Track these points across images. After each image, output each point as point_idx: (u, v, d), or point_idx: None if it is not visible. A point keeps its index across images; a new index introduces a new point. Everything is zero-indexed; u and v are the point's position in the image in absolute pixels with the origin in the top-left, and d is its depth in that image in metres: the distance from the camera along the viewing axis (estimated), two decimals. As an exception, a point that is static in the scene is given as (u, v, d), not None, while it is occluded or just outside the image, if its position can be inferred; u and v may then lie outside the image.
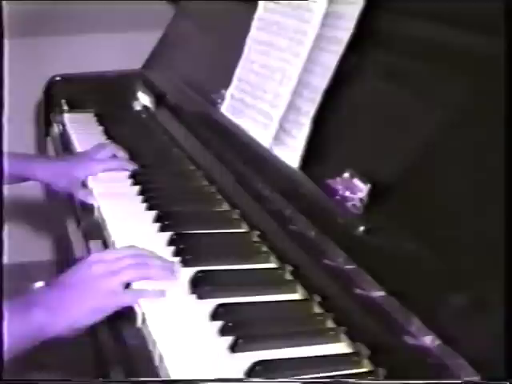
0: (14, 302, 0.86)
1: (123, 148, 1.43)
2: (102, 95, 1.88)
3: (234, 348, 0.78)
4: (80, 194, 1.28)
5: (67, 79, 1.92)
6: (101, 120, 1.77)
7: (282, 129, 1.12)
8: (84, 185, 1.32)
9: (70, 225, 1.34)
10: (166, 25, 1.98)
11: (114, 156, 1.41)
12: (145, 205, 1.18)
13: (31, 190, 1.75)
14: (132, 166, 1.36)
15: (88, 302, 0.89)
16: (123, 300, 0.90)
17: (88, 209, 1.23)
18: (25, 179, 1.41)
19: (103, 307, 0.89)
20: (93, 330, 0.94)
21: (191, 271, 0.93)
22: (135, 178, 1.31)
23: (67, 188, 1.34)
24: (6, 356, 0.79)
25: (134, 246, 0.99)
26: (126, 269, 0.92)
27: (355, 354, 0.77)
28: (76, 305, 0.89)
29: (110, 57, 1.99)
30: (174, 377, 0.74)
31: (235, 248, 1.04)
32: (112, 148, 1.43)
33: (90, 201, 1.24)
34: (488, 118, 0.79)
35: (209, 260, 0.98)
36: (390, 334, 0.74)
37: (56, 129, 1.79)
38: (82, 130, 1.69)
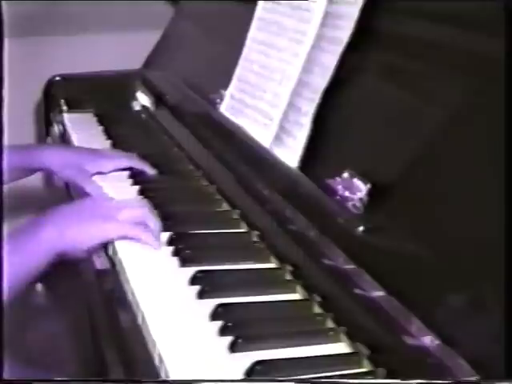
0: (27, 222, 0.98)
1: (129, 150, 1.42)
2: (102, 95, 1.88)
3: (233, 348, 0.78)
4: (89, 187, 1.26)
5: (67, 79, 1.92)
6: (101, 120, 1.77)
7: (281, 129, 1.12)
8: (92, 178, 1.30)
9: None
10: (165, 25, 1.98)
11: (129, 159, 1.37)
12: (145, 205, 1.18)
13: (31, 180, 1.75)
14: (146, 169, 1.34)
15: (95, 224, 0.99)
16: (125, 229, 1.00)
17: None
18: (33, 170, 1.39)
19: (107, 232, 0.99)
20: (93, 330, 0.94)
21: (191, 271, 0.94)
22: (135, 177, 1.31)
23: (73, 179, 1.31)
24: (21, 279, 0.93)
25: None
26: (132, 207, 1.04)
27: (355, 353, 0.77)
28: (84, 225, 0.98)
29: (109, 57, 1.99)
30: (173, 377, 0.74)
31: (235, 248, 1.04)
32: (127, 154, 1.40)
33: (97, 194, 1.23)
34: (488, 118, 0.79)
35: (208, 260, 0.98)
36: (389, 334, 0.74)
37: (56, 129, 1.79)
38: (81, 129, 1.69)
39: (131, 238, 1.01)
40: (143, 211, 1.04)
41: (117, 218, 1.01)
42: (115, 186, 1.28)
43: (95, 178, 1.30)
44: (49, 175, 1.55)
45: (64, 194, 1.38)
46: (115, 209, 1.03)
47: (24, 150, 1.34)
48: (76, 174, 1.30)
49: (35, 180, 1.86)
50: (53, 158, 1.35)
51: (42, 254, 0.95)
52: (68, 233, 0.97)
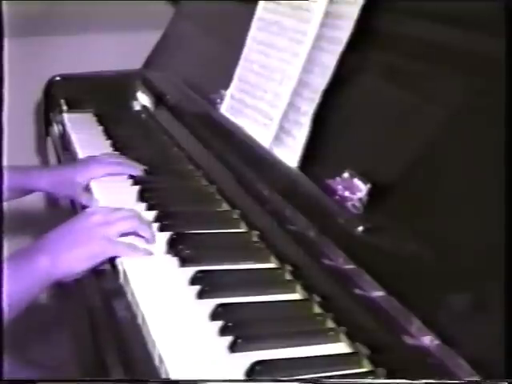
0: (20, 252, 0.96)
1: (129, 156, 1.41)
2: (102, 95, 1.88)
3: (233, 348, 0.78)
4: (83, 199, 1.27)
5: (67, 79, 1.92)
6: (101, 120, 1.77)
7: (281, 129, 1.12)
8: (86, 189, 1.29)
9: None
10: (166, 25, 1.98)
11: (120, 162, 1.37)
12: (145, 205, 1.18)
13: (32, 200, 1.75)
14: (137, 171, 1.34)
15: (86, 247, 0.98)
16: (116, 249, 0.99)
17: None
18: (27, 191, 1.38)
19: (99, 253, 0.99)
20: (93, 330, 0.94)
21: (191, 271, 0.94)
22: (135, 178, 1.31)
23: (70, 195, 1.32)
24: (17, 308, 0.91)
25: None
26: (120, 220, 1.02)
27: (355, 353, 0.77)
28: (75, 250, 0.98)
29: (109, 57, 1.99)
30: (173, 377, 0.74)
31: (235, 248, 1.04)
32: (118, 156, 1.41)
33: (93, 205, 1.23)
34: (488, 118, 0.79)
35: (208, 260, 0.98)
36: (389, 333, 0.74)
37: (56, 129, 1.79)
38: (81, 130, 1.69)
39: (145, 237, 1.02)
40: (133, 223, 1.04)
41: (107, 237, 1.00)
42: (115, 186, 1.28)
43: (98, 189, 1.29)
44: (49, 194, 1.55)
45: (68, 210, 1.37)
46: (105, 226, 1.01)
47: (17, 171, 1.33)
48: (69, 189, 1.31)
49: (37, 199, 1.85)
50: (45, 179, 1.35)
51: (37, 284, 0.95)
52: (61, 260, 0.97)
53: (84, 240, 0.99)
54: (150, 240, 1.03)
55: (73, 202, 1.33)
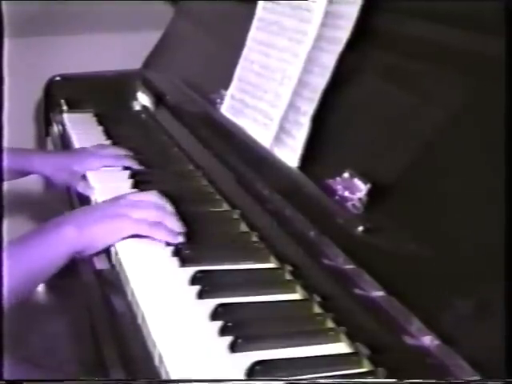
0: (48, 222, 1.00)
1: (125, 148, 1.45)
2: (102, 95, 1.88)
3: (233, 348, 0.78)
4: (79, 187, 1.30)
5: (67, 79, 1.92)
6: (100, 120, 1.77)
7: (281, 129, 1.12)
8: (83, 177, 1.33)
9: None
10: (165, 25, 1.98)
11: (116, 156, 1.41)
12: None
13: (31, 183, 1.75)
14: (133, 164, 1.37)
15: (111, 222, 1.02)
16: (139, 227, 1.02)
17: (86, 202, 1.24)
18: (24, 173, 1.42)
19: (122, 229, 1.02)
20: (93, 330, 0.94)
21: (191, 271, 0.94)
22: (135, 177, 1.31)
23: (66, 181, 1.35)
24: (39, 275, 0.96)
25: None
26: (149, 206, 1.06)
27: (355, 354, 0.77)
28: (100, 224, 1.01)
29: (110, 57, 1.99)
30: (173, 377, 0.74)
31: (235, 248, 1.04)
32: (114, 148, 1.45)
33: (89, 193, 1.26)
34: (488, 118, 0.79)
35: (208, 260, 0.98)
36: (389, 333, 0.74)
37: (56, 129, 1.79)
38: (81, 130, 1.69)
39: (145, 236, 1.03)
40: (160, 212, 1.05)
41: (131, 216, 1.03)
42: (115, 186, 1.28)
43: (95, 179, 1.30)
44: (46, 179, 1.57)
45: (64, 194, 1.38)
46: (131, 207, 1.05)
47: (16, 153, 1.36)
48: (67, 177, 1.35)
49: (35, 182, 1.86)
50: (42, 164, 1.39)
51: (62, 252, 0.98)
52: (86, 231, 1.00)
53: (110, 216, 1.03)
54: (174, 233, 1.03)
55: (68, 189, 1.35)
